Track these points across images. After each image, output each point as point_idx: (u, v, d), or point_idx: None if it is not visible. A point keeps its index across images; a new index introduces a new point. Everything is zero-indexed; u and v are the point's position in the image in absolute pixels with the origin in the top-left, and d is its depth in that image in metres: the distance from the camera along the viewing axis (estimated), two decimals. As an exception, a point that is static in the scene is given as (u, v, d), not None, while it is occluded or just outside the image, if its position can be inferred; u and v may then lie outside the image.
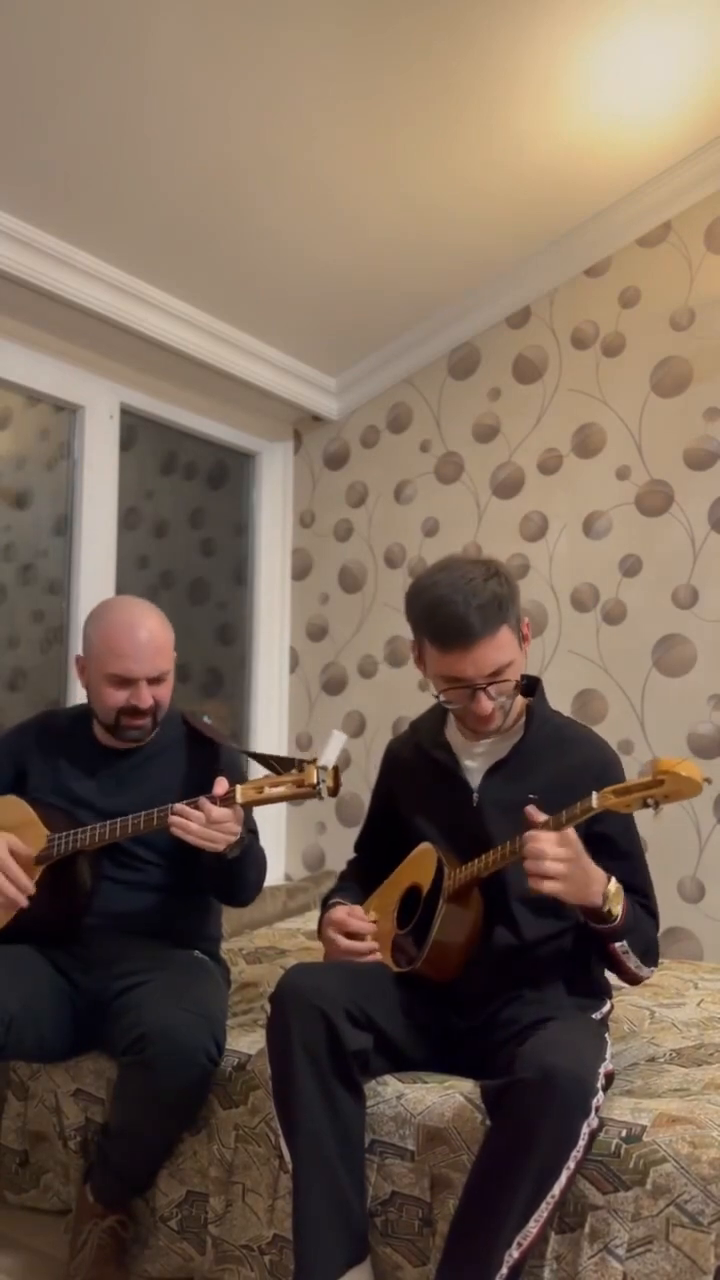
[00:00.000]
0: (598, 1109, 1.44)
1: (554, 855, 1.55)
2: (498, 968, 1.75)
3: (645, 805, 1.52)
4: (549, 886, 1.56)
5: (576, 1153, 1.41)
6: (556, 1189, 1.40)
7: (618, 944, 1.68)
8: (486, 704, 1.72)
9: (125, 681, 1.95)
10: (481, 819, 1.79)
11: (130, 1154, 1.82)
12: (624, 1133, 1.48)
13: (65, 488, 3.03)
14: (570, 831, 1.58)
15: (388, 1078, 1.70)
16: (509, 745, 1.82)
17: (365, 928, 1.82)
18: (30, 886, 1.87)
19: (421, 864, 1.84)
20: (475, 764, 1.85)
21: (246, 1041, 1.90)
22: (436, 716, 1.95)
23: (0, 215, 2.45)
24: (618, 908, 1.63)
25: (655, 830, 2.86)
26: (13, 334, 2.76)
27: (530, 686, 1.88)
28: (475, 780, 1.83)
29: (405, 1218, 1.61)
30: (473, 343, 3.34)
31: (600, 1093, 1.45)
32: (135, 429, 3.24)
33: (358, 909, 1.87)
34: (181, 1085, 1.72)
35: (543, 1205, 1.40)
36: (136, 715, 1.98)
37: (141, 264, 2.75)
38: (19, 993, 1.80)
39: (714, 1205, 1.39)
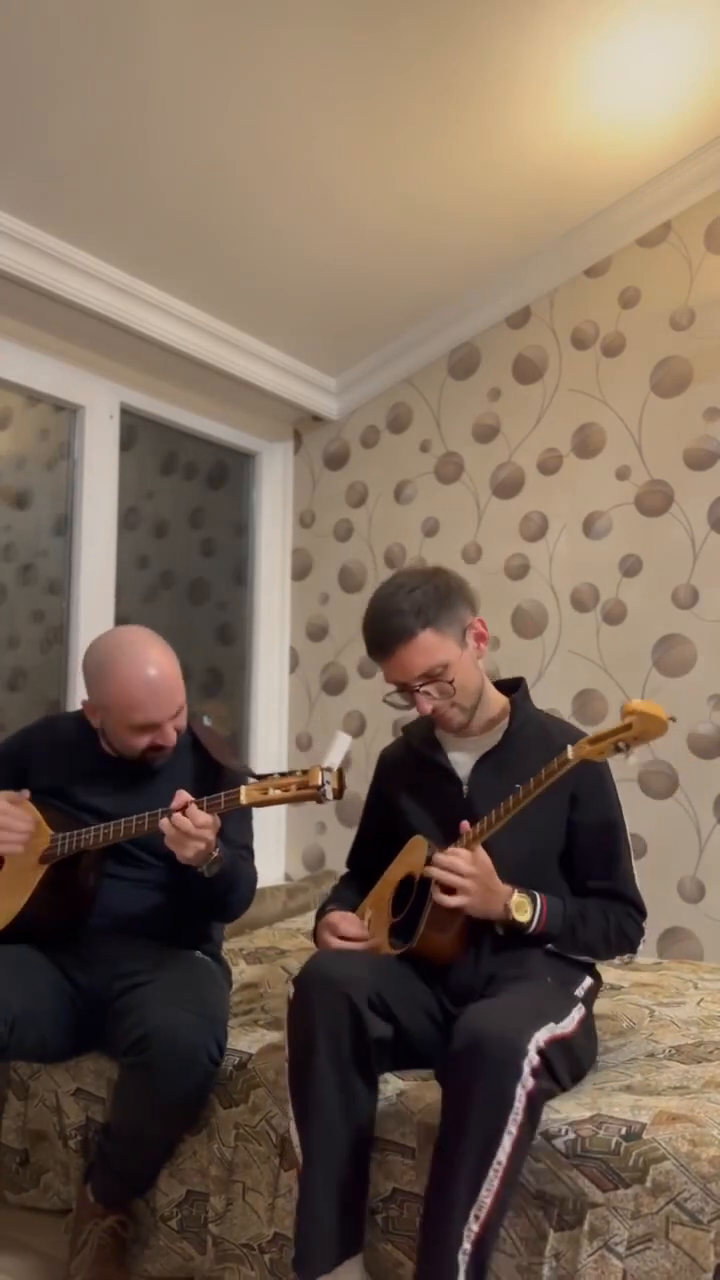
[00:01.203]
0: (534, 1072, 1.45)
1: (464, 871, 1.68)
2: (487, 952, 1.78)
3: (618, 750, 1.58)
4: (454, 900, 1.68)
5: (515, 1116, 1.42)
6: (502, 1155, 1.41)
7: (548, 946, 1.76)
8: (425, 704, 1.83)
9: (149, 727, 1.94)
10: (471, 809, 1.82)
11: (131, 1154, 1.82)
12: (624, 1130, 1.48)
13: (65, 488, 3.03)
14: (481, 852, 1.72)
15: (388, 1075, 1.70)
16: (496, 739, 1.89)
17: (359, 933, 1.85)
18: (29, 825, 1.90)
19: (414, 854, 1.87)
20: (464, 758, 1.91)
21: (247, 1041, 1.90)
22: (426, 721, 2.01)
23: (0, 215, 2.45)
24: (524, 916, 1.72)
25: (655, 830, 2.86)
26: (13, 334, 2.76)
27: (514, 685, 1.98)
28: (464, 773, 1.89)
29: (406, 1214, 1.61)
30: (473, 343, 3.34)
31: (535, 1056, 1.46)
32: (135, 429, 3.24)
33: (351, 914, 1.90)
34: (183, 1086, 1.72)
35: (491, 1173, 1.41)
36: (161, 748, 1.98)
37: (141, 264, 2.75)
38: (21, 993, 1.80)
39: (714, 1203, 1.39)
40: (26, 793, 1.98)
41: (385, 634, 1.81)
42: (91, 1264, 1.76)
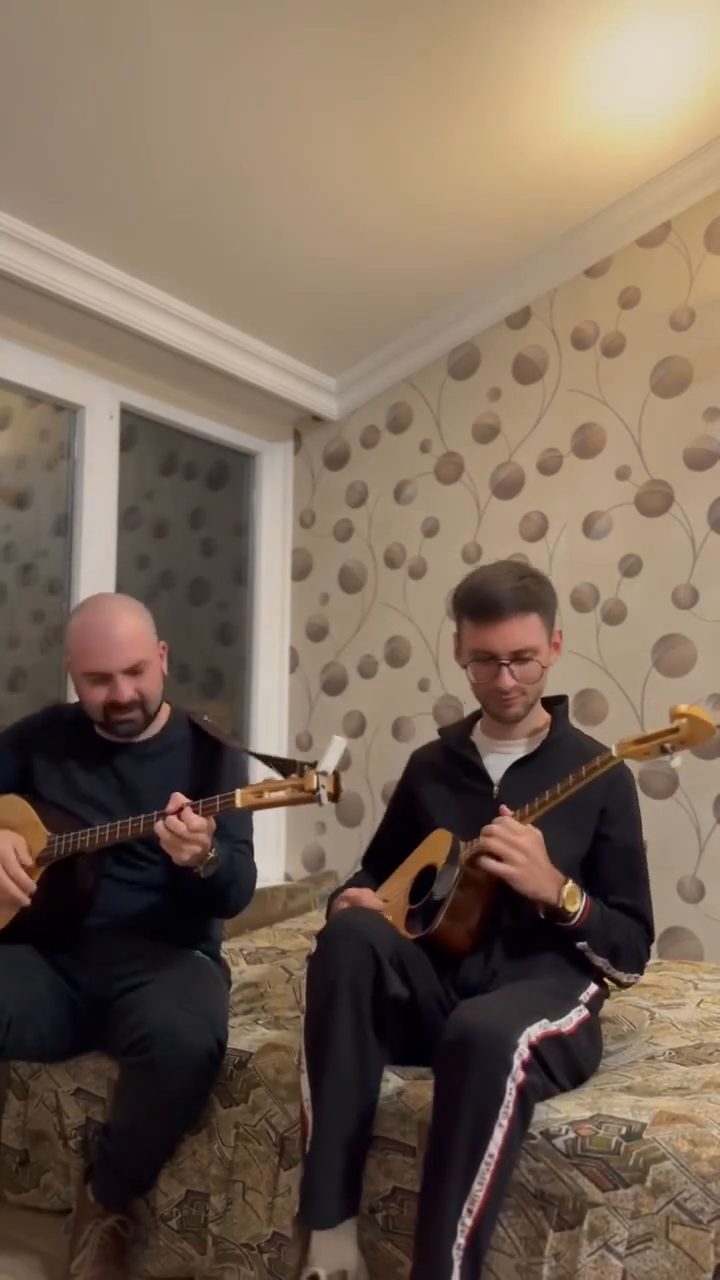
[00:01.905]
0: (525, 1066, 1.46)
1: (517, 841, 1.69)
2: (498, 951, 1.80)
3: (663, 751, 1.60)
4: (501, 868, 1.69)
5: (506, 1109, 1.43)
6: (494, 1148, 1.42)
7: (580, 943, 1.77)
8: (508, 679, 1.85)
9: (102, 677, 1.96)
10: (500, 810, 1.83)
11: (131, 1154, 1.82)
12: (624, 1130, 1.48)
13: (65, 488, 3.03)
14: (533, 828, 1.73)
15: (388, 1073, 1.70)
16: (533, 747, 1.94)
17: (379, 905, 1.85)
18: (31, 885, 1.87)
19: (436, 846, 1.89)
20: (498, 761, 1.94)
21: (247, 1040, 1.90)
22: (464, 723, 2.07)
23: (0, 215, 2.45)
24: (574, 906, 1.73)
25: (655, 830, 2.85)
26: (13, 334, 2.76)
27: (557, 700, 2.03)
28: (497, 776, 1.93)
29: (406, 1213, 1.61)
30: (473, 343, 3.34)
31: (525, 1050, 1.47)
32: (135, 429, 3.24)
33: (370, 891, 1.92)
34: (184, 1086, 1.72)
35: (483, 1167, 1.42)
36: (121, 710, 1.98)
37: (141, 264, 2.75)
38: (18, 993, 1.80)
39: (714, 1203, 1.39)
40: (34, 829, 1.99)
41: (503, 602, 1.84)
42: (92, 1264, 1.76)
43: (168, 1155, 1.84)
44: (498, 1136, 1.42)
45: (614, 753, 1.66)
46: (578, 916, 1.74)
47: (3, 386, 2.85)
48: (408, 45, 2.28)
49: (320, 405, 3.55)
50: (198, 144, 2.43)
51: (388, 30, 2.24)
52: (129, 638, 1.97)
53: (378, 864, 2.13)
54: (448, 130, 2.55)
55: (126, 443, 3.16)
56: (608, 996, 1.91)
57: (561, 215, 2.98)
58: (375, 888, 2.03)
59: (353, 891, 1.91)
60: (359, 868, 2.20)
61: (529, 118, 2.55)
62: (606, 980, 1.86)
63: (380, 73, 2.35)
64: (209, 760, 2.04)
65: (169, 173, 2.49)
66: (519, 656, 1.84)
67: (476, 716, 2.06)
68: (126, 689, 1.96)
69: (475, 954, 1.79)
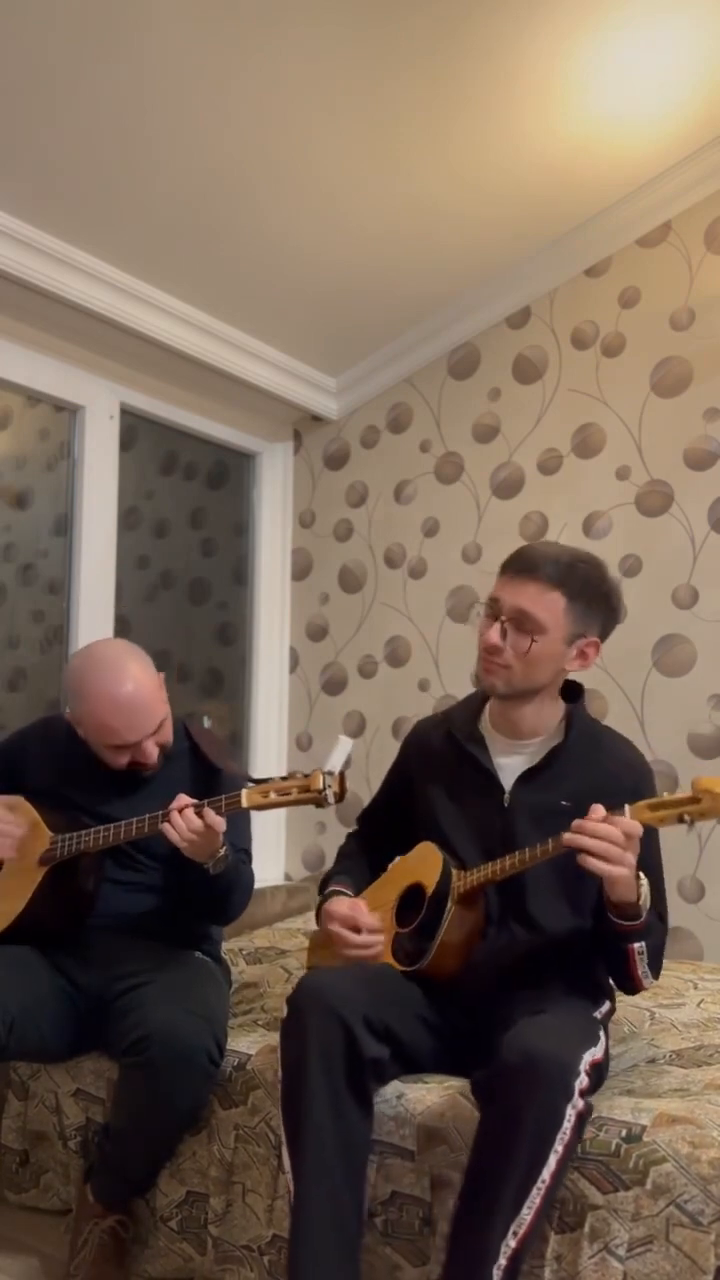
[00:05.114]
0: (583, 1093, 1.43)
1: (632, 845, 1.56)
2: (506, 968, 1.75)
3: (680, 821, 1.52)
4: (607, 870, 1.55)
5: (563, 1135, 1.40)
6: (546, 1174, 1.40)
7: (635, 944, 1.67)
8: (494, 634, 1.74)
9: (126, 747, 1.93)
10: (511, 821, 1.78)
11: (131, 1154, 1.82)
12: (624, 1132, 1.48)
13: (65, 488, 3.03)
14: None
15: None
16: (547, 749, 1.82)
17: (373, 925, 1.80)
18: (20, 826, 1.89)
19: (424, 863, 1.83)
20: (509, 763, 1.84)
21: (246, 1042, 1.90)
22: (471, 708, 1.93)
23: (0, 215, 2.45)
24: (645, 903, 1.64)
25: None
26: (13, 334, 2.76)
27: (575, 694, 1.89)
28: (508, 780, 1.82)
29: (405, 1217, 1.61)
30: (473, 343, 3.34)
31: (584, 1077, 1.44)
32: (135, 429, 3.24)
33: (361, 904, 1.85)
34: (183, 1086, 1.72)
35: (534, 1191, 1.40)
36: (143, 764, 1.98)
37: (141, 264, 2.75)
38: (20, 994, 1.81)
39: (714, 1205, 1.39)
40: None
41: (535, 560, 1.73)
42: (91, 1264, 1.76)
43: (167, 1156, 1.84)
44: (552, 1162, 1.40)
45: (627, 816, 1.56)
46: (644, 915, 1.65)
47: (3, 386, 2.84)
48: (408, 45, 2.28)
49: (320, 405, 3.55)
50: (198, 144, 2.43)
51: (388, 30, 2.23)
52: (146, 700, 1.90)
53: (374, 826, 2.07)
54: (448, 130, 2.55)
55: (126, 443, 3.15)
56: (614, 1010, 1.88)
57: (561, 215, 2.98)
58: (368, 867, 1.99)
59: (343, 911, 1.82)
60: (356, 826, 2.14)
61: (529, 118, 2.55)
62: (627, 983, 1.77)
63: (380, 73, 2.34)
64: (208, 773, 2.04)
65: (169, 172, 2.49)
66: (520, 623, 1.72)
67: (484, 700, 1.92)
68: (153, 750, 1.95)
69: (480, 985, 1.74)
